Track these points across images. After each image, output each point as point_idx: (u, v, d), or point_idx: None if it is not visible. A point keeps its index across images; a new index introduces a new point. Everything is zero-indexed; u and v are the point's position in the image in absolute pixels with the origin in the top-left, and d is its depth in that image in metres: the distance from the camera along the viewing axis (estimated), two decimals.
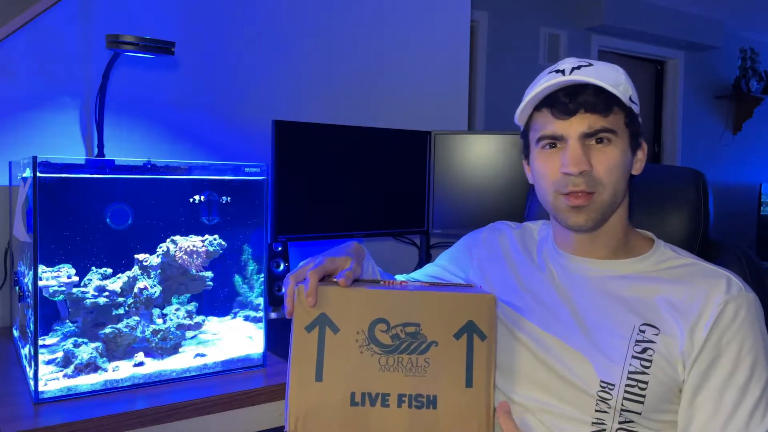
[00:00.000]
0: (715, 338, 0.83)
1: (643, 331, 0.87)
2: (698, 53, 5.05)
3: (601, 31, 4.41)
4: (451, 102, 2.29)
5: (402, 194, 1.93)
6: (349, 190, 1.83)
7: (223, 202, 1.27)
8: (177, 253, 1.23)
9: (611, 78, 0.88)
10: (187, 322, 1.26)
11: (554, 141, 0.90)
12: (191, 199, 1.25)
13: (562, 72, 0.89)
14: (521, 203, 1.88)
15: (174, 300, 1.27)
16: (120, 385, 1.14)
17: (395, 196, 1.92)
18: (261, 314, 1.32)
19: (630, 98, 0.89)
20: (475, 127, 3.77)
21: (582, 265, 0.96)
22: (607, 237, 0.94)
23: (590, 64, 0.89)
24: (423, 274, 1.20)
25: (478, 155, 1.92)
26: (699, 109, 5.18)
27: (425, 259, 2.06)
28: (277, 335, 1.45)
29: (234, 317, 1.37)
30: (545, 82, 0.89)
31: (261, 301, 1.33)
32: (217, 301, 1.33)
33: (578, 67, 0.88)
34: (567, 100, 0.87)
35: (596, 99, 0.86)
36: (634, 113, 0.91)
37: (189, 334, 1.27)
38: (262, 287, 1.32)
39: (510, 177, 1.89)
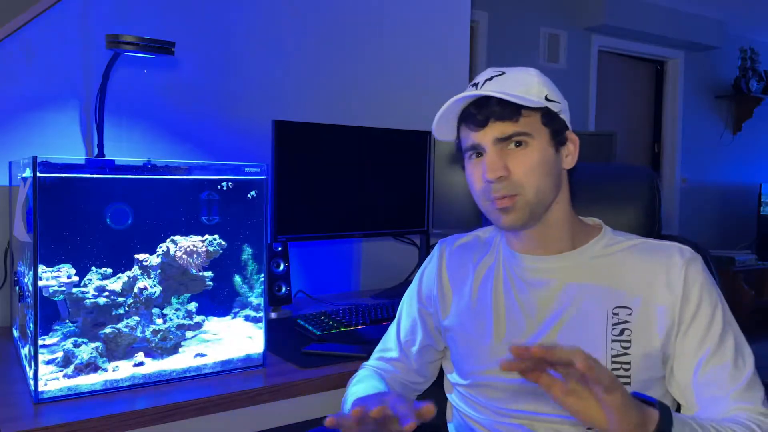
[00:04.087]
0: (687, 297, 0.89)
1: (617, 314, 0.91)
2: (698, 53, 5.05)
3: (601, 31, 4.41)
4: None
5: (402, 194, 1.93)
6: (349, 190, 1.83)
7: (224, 188, 1.27)
8: (177, 253, 1.23)
9: (521, 84, 0.92)
10: (187, 322, 1.26)
11: (477, 151, 0.94)
12: (205, 195, 1.24)
13: (476, 85, 0.95)
14: None
15: (174, 300, 1.27)
16: (120, 385, 1.14)
17: (395, 196, 1.92)
18: (261, 314, 1.32)
19: (546, 98, 0.92)
20: None
21: (538, 265, 0.97)
22: (554, 231, 0.96)
23: (502, 73, 0.94)
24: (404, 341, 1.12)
25: None
26: (699, 109, 5.18)
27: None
28: (277, 335, 1.45)
29: (234, 317, 1.37)
30: (455, 97, 0.93)
31: (261, 301, 1.33)
32: (217, 301, 1.33)
33: (491, 78, 0.94)
34: (476, 112, 0.92)
35: (501, 108, 0.90)
36: (551, 112, 0.93)
37: (189, 334, 1.27)
38: (262, 287, 1.32)
39: None
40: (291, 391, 1.20)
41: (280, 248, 1.70)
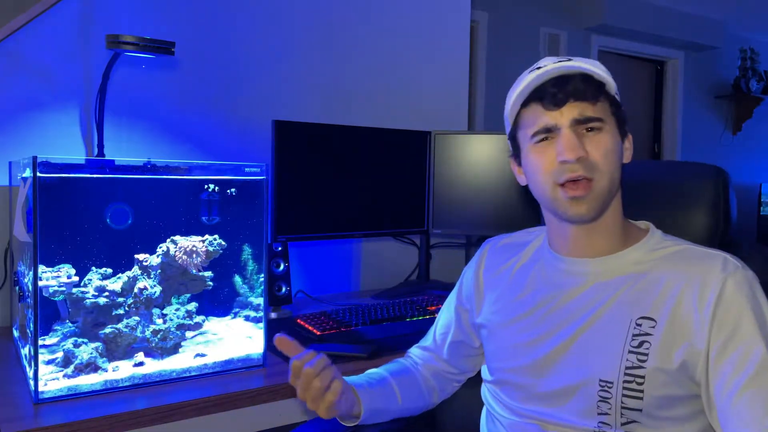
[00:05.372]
0: (721, 317, 0.81)
1: (640, 325, 0.85)
2: (698, 53, 5.05)
3: (601, 31, 4.42)
4: (451, 102, 2.29)
5: (402, 194, 1.93)
6: (349, 190, 1.83)
7: (229, 193, 1.27)
8: (177, 253, 1.23)
9: (593, 69, 0.89)
10: (187, 322, 1.26)
11: (547, 133, 0.89)
12: (207, 186, 1.25)
13: (541, 69, 0.90)
14: (520, 203, 1.88)
15: (174, 300, 1.27)
16: (120, 385, 1.14)
17: (395, 196, 1.92)
18: (261, 314, 1.32)
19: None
20: (475, 127, 3.77)
21: (578, 267, 0.94)
22: (605, 229, 0.92)
23: (569, 59, 0.90)
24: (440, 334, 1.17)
25: (478, 155, 1.92)
26: (699, 109, 5.18)
27: (425, 259, 2.06)
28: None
29: (234, 317, 1.37)
30: (530, 77, 0.89)
31: (261, 301, 1.33)
32: (217, 301, 1.33)
33: (557, 63, 0.90)
34: (555, 90, 0.87)
35: (585, 86, 0.87)
36: (618, 102, 0.92)
37: (189, 334, 1.27)
38: (262, 287, 1.32)
39: (510, 177, 1.89)
40: (291, 391, 1.20)
41: (280, 248, 1.70)
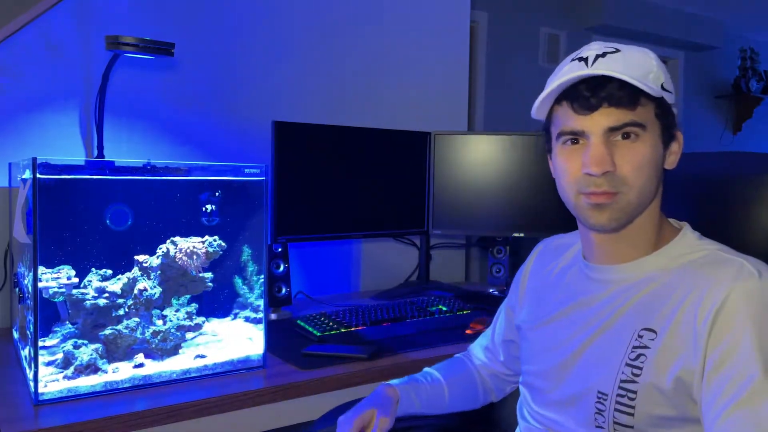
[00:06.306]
0: (719, 331, 0.73)
1: (641, 336, 0.80)
2: (698, 53, 5.05)
3: (601, 31, 4.41)
4: (451, 102, 2.29)
5: (402, 194, 1.93)
6: (349, 191, 1.82)
7: (217, 196, 1.27)
8: (177, 254, 1.23)
9: (641, 66, 0.80)
10: (187, 323, 1.26)
11: (576, 137, 0.82)
12: (204, 208, 1.25)
13: (585, 60, 0.80)
14: (521, 203, 1.88)
15: (174, 301, 1.27)
16: (120, 387, 1.14)
17: (395, 197, 1.92)
18: (261, 315, 1.32)
19: (662, 86, 0.81)
20: (474, 127, 3.77)
21: (601, 275, 0.89)
22: (632, 237, 0.86)
23: (617, 50, 0.81)
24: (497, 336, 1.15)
25: (478, 155, 1.92)
26: (699, 109, 5.18)
27: (425, 259, 2.06)
28: (277, 336, 1.45)
29: (234, 318, 1.37)
30: (566, 73, 0.81)
31: (261, 302, 1.33)
32: (217, 302, 1.33)
33: (603, 55, 0.80)
34: (589, 94, 0.79)
35: (621, 93, 0.78)
36: (665, 103, 0.82)
37: (189, 335, 1.27)
38: (262, 288, 1.32)
39: (510, 177, 1.89)
40: (291, 392, 1.20)
41: (280, 249, 1.70)
